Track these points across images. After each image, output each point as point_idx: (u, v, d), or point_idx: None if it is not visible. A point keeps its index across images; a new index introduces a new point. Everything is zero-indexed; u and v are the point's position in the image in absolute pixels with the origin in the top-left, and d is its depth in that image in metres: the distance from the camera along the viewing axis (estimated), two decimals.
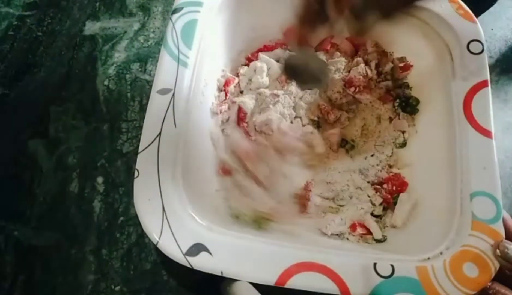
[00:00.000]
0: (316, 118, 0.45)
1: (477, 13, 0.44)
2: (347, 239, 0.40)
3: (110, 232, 0.43)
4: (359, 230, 0.40)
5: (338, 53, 0.48)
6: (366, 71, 0.45)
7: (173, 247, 0.31)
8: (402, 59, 0.47)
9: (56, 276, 0.41)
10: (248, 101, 0.44)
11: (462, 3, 0.43)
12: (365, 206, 0.42)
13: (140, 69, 0.52)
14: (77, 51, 0.53)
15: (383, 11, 0.28)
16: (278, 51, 0.48)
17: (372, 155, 0.44)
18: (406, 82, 0.47)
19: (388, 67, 0.46)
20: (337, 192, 0.42)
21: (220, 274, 0.31)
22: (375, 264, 0.32)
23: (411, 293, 0.31)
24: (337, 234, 0.40)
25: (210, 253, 0.31)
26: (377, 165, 0.44)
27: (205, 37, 0.41)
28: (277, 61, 0.47)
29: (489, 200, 0.35)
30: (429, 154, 0.42)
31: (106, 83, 0.51)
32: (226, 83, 0.45)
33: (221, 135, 0.44)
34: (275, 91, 0.45)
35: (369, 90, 0.46)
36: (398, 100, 0.46)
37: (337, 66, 0.47)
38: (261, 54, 0.47)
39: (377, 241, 0.39)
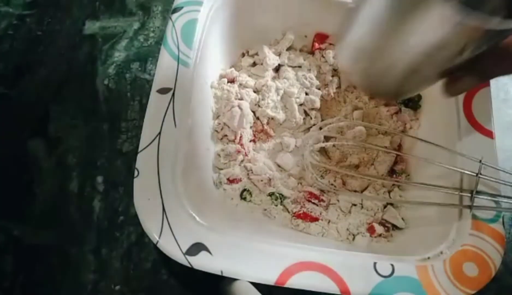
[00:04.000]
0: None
1: None
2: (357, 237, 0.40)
3: (110, 231, 0.43)
4: (378, 230, 0.40)
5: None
6: None
7: (173, 247, 0.31)
8: None
9: (56, 276, 0.41)
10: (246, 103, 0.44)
11: None
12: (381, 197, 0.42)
13: (140, 69, 0.52)
14: (77, 51, 0.53)
15: (482, 77, 0.27)
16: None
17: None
18: None
19: None
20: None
21: (220, 274, 0.31)
22: (375, 264, 0.32)
23: (411, 292, 0.31)
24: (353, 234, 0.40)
25: (210, 253, 0.31)
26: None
27: (205, 36, 0.41)
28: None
29: (489, 199, 0.35)
30: (429, 153, 0.42)
31: (106, 82, 0.51)
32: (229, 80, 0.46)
33: None
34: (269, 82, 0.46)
35: None
36: None
37: None
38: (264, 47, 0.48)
39: (398, 229, 0.40)
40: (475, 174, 0.35)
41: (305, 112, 0.47)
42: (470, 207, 0.34)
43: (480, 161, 0.35)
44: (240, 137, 0.44)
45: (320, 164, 0.42)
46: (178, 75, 0.38)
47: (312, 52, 0.50)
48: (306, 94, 0.47)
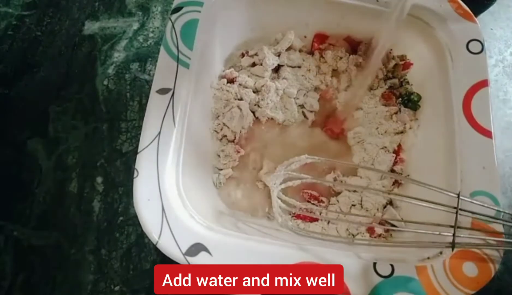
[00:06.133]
0: None
1: (477, 13, 0.44)
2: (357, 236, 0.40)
3: (110, 232, 0.43)
4: (378, 230, 0.40)
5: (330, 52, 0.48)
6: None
7: (172, 247, 0.31)
8: (402, 57, 0.47)
9: (56, 276, 0.41)
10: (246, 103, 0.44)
11: (462, 3, 0.43)
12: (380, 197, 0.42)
13: (139, 69, 0.52)
14: (77, 51, 0.53)
15: None
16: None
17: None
18: (406, 79, 0.47)
19: (391, 64, 0.47)
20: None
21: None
22: (374, 264, 0.32)
23: (411, 292, 0.31)
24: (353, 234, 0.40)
25: (209, 253, 0.31)
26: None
27: (204, 37, 0.41)
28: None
29: (488, 199, 0.35)
30: (428, 154, 0.42)
31: (105, 83, 0.51)
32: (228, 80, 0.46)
33: None
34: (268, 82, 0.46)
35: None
36: (400, 98, 0.46)
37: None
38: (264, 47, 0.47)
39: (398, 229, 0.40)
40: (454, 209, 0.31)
41: (304, 112, 0.47)
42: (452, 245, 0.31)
43: (458, 195, 0.32)
44: (240, 137, 0.43)
45: (288, 208, 0.37)
46: (177, 75, 0.38)
47: (311, 53, 0.50)
48: (306, 94, 0.47)
